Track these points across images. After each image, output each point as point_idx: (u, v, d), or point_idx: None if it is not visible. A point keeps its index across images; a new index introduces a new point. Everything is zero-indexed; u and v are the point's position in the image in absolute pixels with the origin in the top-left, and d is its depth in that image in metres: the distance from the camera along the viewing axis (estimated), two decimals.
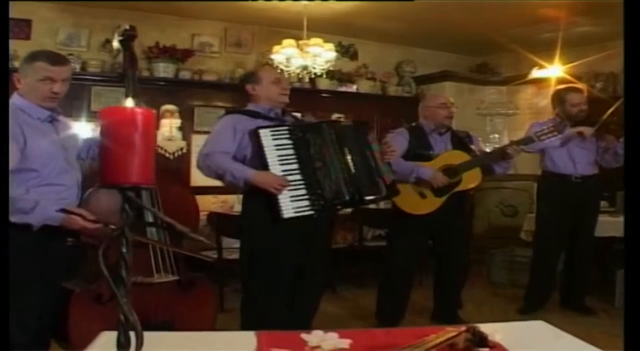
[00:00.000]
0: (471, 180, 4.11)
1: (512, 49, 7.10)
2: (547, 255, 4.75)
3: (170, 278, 3.07)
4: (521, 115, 7.50)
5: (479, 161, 4.13)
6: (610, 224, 4.88)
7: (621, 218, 4.91)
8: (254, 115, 3.30)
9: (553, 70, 6.51)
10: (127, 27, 3.26)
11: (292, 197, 3.10)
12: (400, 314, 4.22)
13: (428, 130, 4.22)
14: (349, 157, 3.24)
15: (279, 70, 3.75)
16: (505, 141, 7.52)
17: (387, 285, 4.25)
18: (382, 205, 4.87)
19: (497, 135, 7.70)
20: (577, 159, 4.56)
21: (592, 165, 4.61)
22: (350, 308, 4.96)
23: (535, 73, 6.61)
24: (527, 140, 4.17)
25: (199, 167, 3.25)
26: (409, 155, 4.10)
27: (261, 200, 3.13)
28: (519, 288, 5.14)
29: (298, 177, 3.13)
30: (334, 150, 3.22)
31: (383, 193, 3.38)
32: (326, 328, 1.53)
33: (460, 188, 4.08)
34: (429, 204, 4.06)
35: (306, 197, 3.12)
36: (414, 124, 4.43)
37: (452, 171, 4.04)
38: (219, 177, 3.20)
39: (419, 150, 4.15)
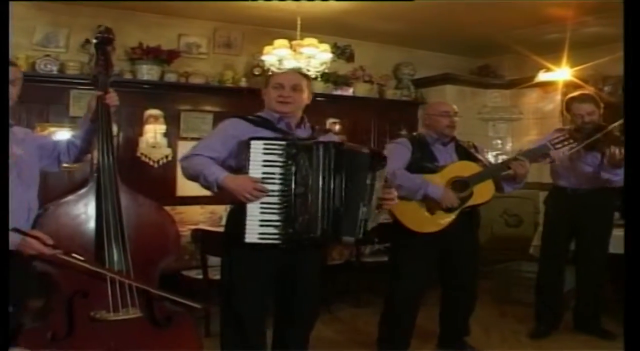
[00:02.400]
0: (483, 194, 3.74)
1: (516, 50, 6.81)
2: (549, 272, 4.48)
3: (137, 314, 2.66)
4: (525, 120, 7.20)
5: (492, 172, 3.76)
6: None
7: None
8: (259, 123, 2.96)
9: (560, 73, 6.18)
10: (103, 29, 2.95)
11: (262, 220, 2.71)
12: (405, 344, 3.86)
13: (430, 140, 3.87)
14: (337, 188, 2.77)
15: (294, 75, 3.23)
16: (509, 148, 7.25)
17: (392, 312, 3.85)
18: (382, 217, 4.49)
19: (499, 141, 7.40)
20: (576, 172, 4.30)
21: (592, 178, 4.27)
22: (348, 331, 4.59)
23: (542, 76, 6.30)
24: (542, 149, 3.82)
25: (180, 167, 2.96)
26: (412, 168, 3.74)
27: (237, 219, 2.78)
28: (527, 307, 4.80)
29: (276, 200, 2.73)
30: (322, 177, 2.76)
31: (358, 238, 2.83)
32: None
33: (471, 203, 3.72)
34: (438, 221, 3.69)
35: (276, 223, 2.72)
36: (414, 134, 4.11)
37: (462, 184, 3.68)
38: (195, 179, 2.86)
39: (423, 162, 3.78)
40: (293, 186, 2.73)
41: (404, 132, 7.19)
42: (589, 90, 6.25)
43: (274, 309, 3.07)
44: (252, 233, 2.70)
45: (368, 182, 2.81)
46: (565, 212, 4.34)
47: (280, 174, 2.74)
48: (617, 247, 4.46)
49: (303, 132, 3.02)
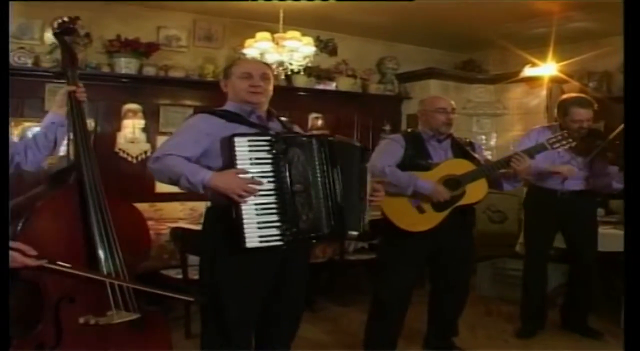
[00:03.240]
0: (476, 193, 3.63)
1: (500, 45, 6.75)
2: (535, 271, 4.41)
3: (132, 316, 2.54)
4: (510, 116, 7.14)
5: (484, 171, 3.64)
6: (616, 238, 4.50)
7: None
8: (231, 117, 2.74)
9: (546, 69, 6.12)
10: (65, 18, 2.80)
11: (260, 222, 2.53)
12: (392, 345, 3.77)
13: (426, 137, 3.74)
14: (338, 183, 2.66)
15: (259, 63, 3.10)
16: (493, 143, 7.19)
17: (379, 312, 3.73)
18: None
19: (484, 137, 7.33)
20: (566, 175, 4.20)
21: (581, 180, 4.24)
22: (332, 331, 4.48)
23: (528, 71, 6.22)
24: (538, 148, 3.73)
25: (150, 169, 2.68)
26: (405, 165, 3.60)
27: (225, 220, 2.60)
28: (512, 305, 4.75)
29: (272, 199, 2.57)
30: (321, 172, 2.65)
31: (361, 231, 2.77)
32: None
33: (463, 202, 3.60)
34: (428, 220, 3.58)
35: (277, 224, 2.55)
36: (410, 130, 4.00)
37: (454, 182, 3.58)
38: (174, 182, 2.61)
39: (416, 159, 3.65)
40: (289, 183, 2.59)
41: (387, 127, 7.13)
42: (575, 84, 6.25)
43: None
44: (253, 237, 2.51)
45: (361, 174, 2.75)
46: (553, 214, 4.26)
47: (272, 172, 2.58)
48: (604, 245, 4.45)
49: (275, 125, 2.85)
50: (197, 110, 5.72)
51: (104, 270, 2.48)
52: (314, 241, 2.77)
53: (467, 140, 3.92)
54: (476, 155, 3.75)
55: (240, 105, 2.80)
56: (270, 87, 2.86)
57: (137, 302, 2.60)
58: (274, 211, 2.56)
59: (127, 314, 2.49)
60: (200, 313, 2.89)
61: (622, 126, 4.04)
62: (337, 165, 2.67)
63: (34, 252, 2.25)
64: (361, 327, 3.87)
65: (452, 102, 3.79)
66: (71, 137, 2.66)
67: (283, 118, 2.95)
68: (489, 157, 6.58)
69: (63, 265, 2.34)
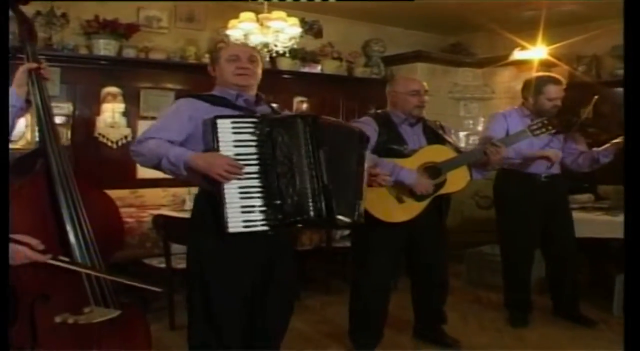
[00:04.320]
0: (457, 181, 3.52)
1: (488, 28, 6.64)
2: (522, 259, 4.32)
3: (113, 313, 2.40)
4: (497, 100, 7.04)
5: (466, 158, 3.54)
6: (607, 225, 4.44)
7: (621, 218, 4.49)
8: (217, 101, 2.66)
9: (536, 52, 6.02)
10: None
11: (243, 206, 2.44)
12: (378, 335, 3.68)
13: (397, 121, 3.61)
14: (324, 164, 2.53)
15: (247, 46, 2.99)
16: (480, 128, 7.10)
17: (360, 305, 3.63)
18: None
19: (471, 121, 7.23)
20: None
21: (558, 163, 4.22)
22: (318, 322, 4.37)
23: (517, 54, 6.12)
24: (520, 136, 3.64)
25: (133, 155, 2.59)
26: (379, 150, 3.44)
27: (212, 206, 2.51)
28: (501, 292, 4.64)
29: (256, 182, 2.47)
30: (305, 152, 2.52)
31: (354, 219, 2.64)
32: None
33: (444, 190, 3.50)
34: (408, 210, 3.46)
35: (261, 208, 2.45)
36: (379, 112, 3.78)
37: (434, 171, 3.46)
38: (156, 166, 2.53)
39: (390, 144, 3.52)
40: (274, 166, 2.48)
41: (373, 111, 6.98)
42: (565, 68, 6.17)
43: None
44: (236, 222, 2.42)
45: (359, 160, 2.67)
46: (538, 199, 4.17)
47: (256, 154, 2.48)
48: (596, 231, 4.42)
49: (264, 110, 2.76)
50: (181, 94, 5.63)
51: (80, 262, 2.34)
52: (300, 226, 2.62)
53: (438, 123, 3.77)
54: (450, 139, 3.63)
55: (227, 89, 2.72)
56: (259, 70, 2.78)
57: (116, 296, 2.47)
58: (258, 194, 2.47)
59: (108, 311, 2.35)
60: (187, 303, 2.77)
61: (595, 98, 4.01)
62: (323, 146, 2.54)
63: (41, 246, 2.10)
64: (347, 317, 3.77)
65: (424, 83, 3.67)
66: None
67: (274, 105, 2.83)
68: (476, 142, 6.50)
69: (62, 260, 2.20)
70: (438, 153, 3.52)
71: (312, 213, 2.50)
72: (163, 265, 4.12)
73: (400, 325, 3.96)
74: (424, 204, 3.47)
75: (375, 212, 3.38)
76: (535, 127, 3.61)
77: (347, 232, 5.25)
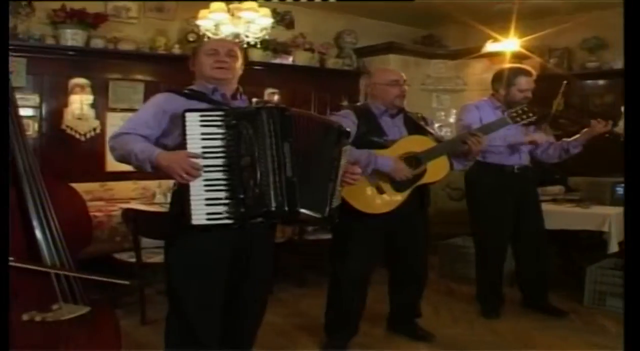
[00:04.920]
0: (437, 171, 3.51)
1: (461, 20, 6.63)
2: (496, 251, 4.34)
3: (82, 310, 2.35)
4: (470, 92, 7.03)
5: (446, 148, 3.52)
6: (578, 217, 4.49)
7: (592, 210, 4.55)
8: (193, 96, 2.66)
9: (509, 44, 6.04)
10: None
11: (208, 199, 2.43)
12: (354, 330, 3.66)
13: (378, 112, 3.59)
14: (289, 157, 2.51)
15: (226, 41, 2.98)
16: (452, 120, 7.12)
17: (338, 296, 3.61)
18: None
19: (443, 113, 7.24)
20: (521, 148, 4.18)
21: (527, 154, 4.28)
22: (292, 315, 4.34)
23: (490, 47, 6.13)
24: (500, 124, 3.63)
25: (110, 150, 2.62)
26: (359, 143, 3.40)
27: (186, 197, 2.47)
28: (473, 284, 4.67)
29: (221, 175, 2.45)
30: (269, 144, 2.50)
31: (324, 215, 2.59)
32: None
33: (424, 181, 3.49)
34: (388, 201, 3.45)
35: (225, 201, 2.44)
36: (359, 104, 3.81)
37: (414, 160, 3.45)
38: (126, 160, 2.55)
39: (370, 136, 3.50)
40: (238, 159, 2.46)
41: (345, 103, 6.98)
42: (537, 60, 6.20)
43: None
44: (199, 214, 2.42)
45: (334, 155, 2.63)
46: (511, 190, 4.19)
47: (222, 147, 2.46)
48: (567, 223, 4.48)
49: (241, 104, 2.75)
50: (150, 85, 5.55)
51: (47, 259, 2.29)
52: (262, 219, 2.56)
53: (419, 114, 3.76)
54: (432, 131, 3.62)
55: (204, 84, 2.72)
56: (238, 65, 2.77)
57: (85, 292, 2.42)
58: (222, 187, 2.45)
59: (76, 308, 2.31)
60: (168, 301, 2.74)
61: (564, 84, 4.03)
62: (289, 139, 2.52)
63: None
64: (322, 310, 3.76)
65: (403, 74, 3.66)
66: None
67: (255, 99, 2.80)
68: (448, 134, 6.51)
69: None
70: (418, 144, 3.50)
71: (273, 206, 2.49)
72: (133, 260, 4.06)
73: (373, 318, 3.94)
74: (404, 195, 3.46)
75: (356, 203, 3.39)
76: (515, 114, 3.60)
77: None
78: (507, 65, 4.56)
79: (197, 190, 2.43)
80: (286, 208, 2.50)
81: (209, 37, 4.94)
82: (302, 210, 2.53)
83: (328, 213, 2.60)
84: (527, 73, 4.15)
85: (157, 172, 2.51)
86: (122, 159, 2.57)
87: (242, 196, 2.45)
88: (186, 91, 2.70)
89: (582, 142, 4.09)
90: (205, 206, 2.42)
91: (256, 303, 2.84)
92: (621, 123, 4.28)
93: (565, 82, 4.10)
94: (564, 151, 4.19)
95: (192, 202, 2.41)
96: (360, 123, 3.51)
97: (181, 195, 2.49)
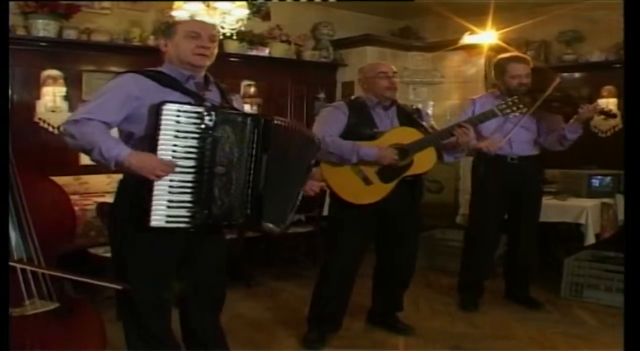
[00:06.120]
0: (424, 163, 3.49)
1: (438, 12, 6.62)
2: (484, 242, 4.34)
3: (51, 306, 2.29)
4: (447, 84, 7.06)
5: (433, 139, 3.50)
6: (556, 209, 4.50)
7: (569, 202, 4.57)
8: (165, 81, 2.46)
9: (486, 36, 6.04)
10: None
11: (170, 201, 2.30)
12: (339, 322, 3.66)
13: (371, 105, 3.58)
14: (264, 169, 2.47)
15: (207, 24, 2.81)
16: (429, 112, 7.10)
17: (327, 288, 3.58)
18: None
19: (420, 105, 7.18)
20: (513, 138, 4.12)
21: (530, 144, 4.23)
22: (270, 308, 4.30)
23: (467, 39, 6.12)
24: (488, 115, 3.61)
25: (63, 133, 2.34)
26: (348, 134, 3.45)
27: (137, 194, 2.34)
28: (452, 277, 4.70)
29: (189, 177, 2.34)
30: (248, 155, 2.44)
31: (281, 229, 2.59)
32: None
33: (411, 172, 3.47)
34: (375, 192, 3.44)
35: (188, 205, 2.33)
36: (354, 97, 3.82)
37: (401, 152, 3.43)
38: (86, 151, 2.31)
39: (360, 127, 3.50)
40: (210, 163, 2.36)
41: (321, 95, 6.96)
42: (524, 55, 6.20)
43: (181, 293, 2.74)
44: (159, 216, 2.28)
45: (307, 170, 2.64)
46: (506, 182, 4.19)
47: (196, 148, 2.34)
48: (546, 215, 4.47)
49: (213, 95, 2.58)
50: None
51: (15, 255, 2.23)
52: (224, 228, 2.59)
53: (414, 107, 3.79)
54: (423, 123, 3.61)
55: (179, 69, 2.53)
56: (215, 51, 2.59)
57: (59, 289, 2.37)
58: (187, 190, 2.35)
59: (44, 304, 2.24)
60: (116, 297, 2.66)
61: (557, 81, 4.04)
62: (269, 151, 2.47)
63: None
64: (300, 302, 3.76)
65: (393, 67, 3.65)
66: None
67: (223, 85, 2.70)
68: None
69: None
70: (406, 135, 3.49)
71: (240, 218, 2.48)
72: (108, 255, 3.97)
73: (354, 310, 3.91)
74: (391, 185, 3.46)
75: (343, 194, 3.43)
76: (504, 106, 3.57)
77: (297, 217, 5.20)
78: (502, 55, 4.51)
79: (161, 191, 2.29)
80: (252, 221, 2.51)
81: (178, 20, 4.80)
82: (265, 224, 2.53)
83: (285, 227, 2.60)
84: (518, 59, 4.15)
85: (120, 169, 2.34)
86: (79, 149, 2.36)
87: (208, 203, 2.37)
88: (156, 75, 2.49)
89: (577, 127, 4.04)
90: (167, 208, 2.30)
91: (208, 305, 2.75)
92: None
93: (558, 79, 4.06)
94: (561, 137, 4.12)
95: (154, 203, 2.27)
96: (351, 115, 3.53)
97: (136, 191, 2.33)
